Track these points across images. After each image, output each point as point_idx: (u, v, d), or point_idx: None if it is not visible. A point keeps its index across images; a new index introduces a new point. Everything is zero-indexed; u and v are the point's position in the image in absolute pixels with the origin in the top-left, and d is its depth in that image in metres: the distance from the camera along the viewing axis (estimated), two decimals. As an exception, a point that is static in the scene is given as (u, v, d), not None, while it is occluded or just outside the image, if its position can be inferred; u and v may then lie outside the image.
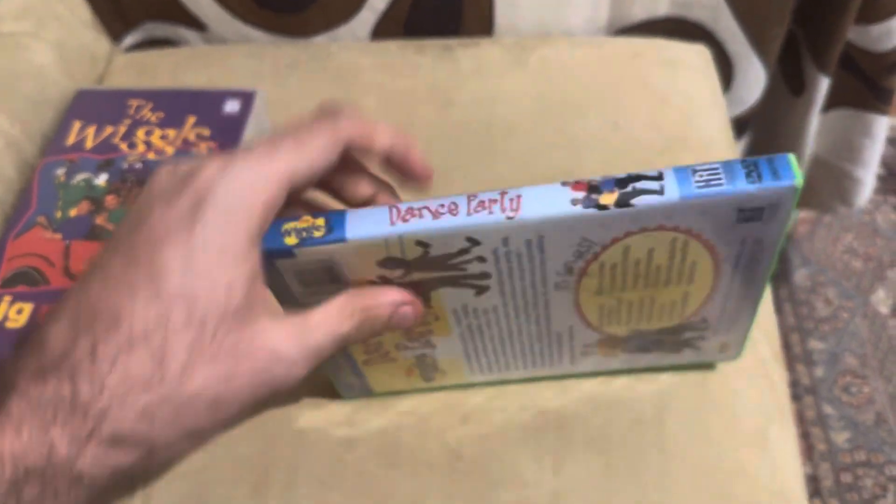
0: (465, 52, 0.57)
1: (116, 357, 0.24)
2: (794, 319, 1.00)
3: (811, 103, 0.70)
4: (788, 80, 0.71)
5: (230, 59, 0.59)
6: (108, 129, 0.50)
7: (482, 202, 0.29)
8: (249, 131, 0.50)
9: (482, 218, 0.29)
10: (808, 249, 1.05)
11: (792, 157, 0.28)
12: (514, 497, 0.38)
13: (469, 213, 0.29)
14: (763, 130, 0.76)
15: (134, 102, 0.51)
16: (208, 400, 0.26)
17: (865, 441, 0.91)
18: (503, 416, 0.40)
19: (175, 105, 0.51)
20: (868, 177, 0.80)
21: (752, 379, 0.41)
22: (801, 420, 0.93)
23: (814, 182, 0.82)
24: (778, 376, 0.43)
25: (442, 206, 0.29)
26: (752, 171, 0.28)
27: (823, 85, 0.68)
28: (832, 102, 0.72)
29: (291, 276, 0.31)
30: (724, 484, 0.38)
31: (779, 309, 1.01)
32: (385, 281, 0.32)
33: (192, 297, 0.25)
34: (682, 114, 0.52)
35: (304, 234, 0.29)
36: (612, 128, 0.52)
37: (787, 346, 0.98)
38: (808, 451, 0.91)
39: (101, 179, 0.48)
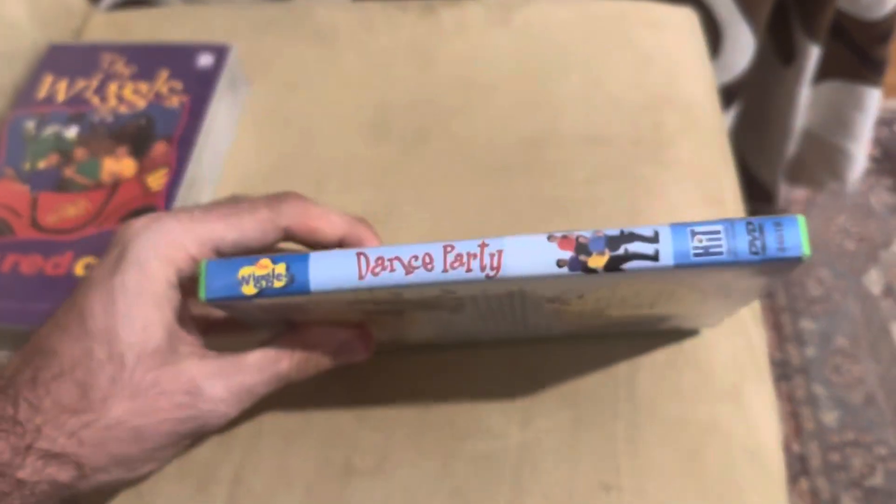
0: (447, 12, 0.56)
1: (49, 384, 0.28)
2: (786, 299, 0.99)
3: (801, 73, 0.69)
4: (778, 49, 0.70)
5: (208, 17, 0.58)
6: (80, 83, 0.49)
7: (460, 257, 0.27)
8: (222, 85, 0.49)
9: (459, 275, 0.27)
10: (801, 229, 1.04)
11: (802, 221, 0.26)
12: (481, 449, 0.37)
13: (445, 270, 0.27)
14: (752, 100, 0.75)
15: (107, 56, 0.50)
16: (130, 429, 0.29)
17: (854, 421, 0.90)
18: (474, 371, 0.40)
19: (148, 59, 0.50)
20: (859, 151, 0.79)
21: (729, 336, 0.41)
22: (790, 399, 0.92)
23: (805, 157, 0.81)
24: (756, 335, 0.42)
25: (415, 257, 0.27)
26: (755, 239, 0.26)
27: (813, 54, 0.67)
28: (823, 74, 0.71)
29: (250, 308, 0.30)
30: (696, 439, 0.37)
31: (770, 289, 1.00)
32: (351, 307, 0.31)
33: (113, 336, 0.29)
34: (665, 74, 0.52)
35: (264, 282, 0.28)
36: (594, 87, 0.51)
37: (778, 325, 0.97)
38: (797, 431, 0.90)
39: (71, 132, 0.47)
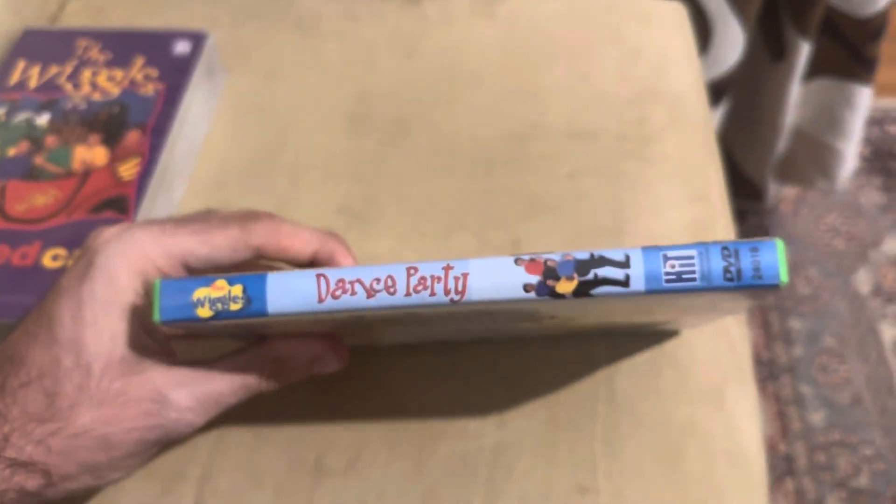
0: (432, 2, 0.55)
1: (17, 392, 0.28)
2: (774, 298, 0.99)
3: (791, 69, 0.68)
4: (769, 45, 0.69)
5: (188, 4, 0.56)
6: (54, 69, 0.48)
7: (423, 280, 0.26)
8: (199, 73, 0.47)
9: (422, 299, 0.26)
10: (791, 228, 1.04)
11: (780, 247, 0.25)
12: (455, 449, 0.36)
13: (408, 293, 0.26)
14: (742, 97, 0.74)
15: (82, 42, 0.49)
16: (97, 437, 0.29)
17: (841, 421, 0.90)
18: (450, 370, 0.39)
19: (123, 45, 0.49)
20: (849, 150, 0.78)
21: (711, 337, 0.40)
22: (777, 399, 0.92)
23: (794, 155, 0.80)
24: (738, 335, 0.41)
25: (377, 280, 0.26)
26: (731, 265, 0.25)
27: (804, 50, 0.66)
28: (813, 71, 0.71)
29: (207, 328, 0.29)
30: (676, 440, 0.36)
31: (759, 287, 1.00)
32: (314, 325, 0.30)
33: (80, 345, 0.29)
34: (652, 67, 0.51)
35: (220, 305, 0.27)
36: (579, 79, 0.50)
37: (765, 324, 0.97)
38: (784, 430, 0.90)
39: (43, 119, 0.46)
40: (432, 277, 0.26)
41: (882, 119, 1.13)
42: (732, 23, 0.62)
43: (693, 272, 0.25)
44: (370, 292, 0.26)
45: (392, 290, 0.26)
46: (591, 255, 0.25)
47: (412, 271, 0.26)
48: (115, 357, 0.29)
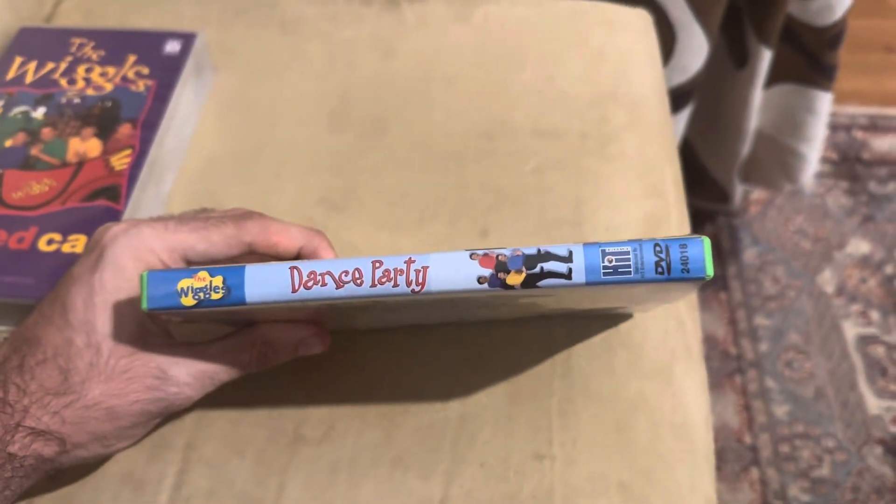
0: (410, 6, 0.58)
1: (34, 370, 0.32)
2: (742, 296, 1.02)
3: (754, 76, 0.71)
4: (732, 52, 0.72)
5: (179, 5, 0.59)
6: (49, 65, 0.51)
7: (387, 272, 0.29)
8: (188, 72, 0.50)
9: (386, 289, 0.29)
10: (759, 229, 1.08)
11: (707, 243, 0.28)
12: (422, 420, 0.39)
13: (373, 284, 0.29)
14: (707, 102, 0.78)
15: (76, 40, 0.52)
16: (105, 409, 0.33)
17: (804, 414, 0.93)
18: (419, 348, 0.42)
19: (116, 44, 0.51)
20: (812, 153, 0.82)
21: (661, 319, 0.43)
22: (743, 392, 0.95)
23: (759, 158, 0.84)
24: (689, 318, 0.44)
25: (346, 272, 0.29)
26: (661, 260, 0.28)
27: (766, 57, 0.70)
28: (775, 77, 0.74)
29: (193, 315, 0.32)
30: (625, 413, 0.40)
31: (727, 286, 1.03)
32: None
33: (91, 327, 0.33)
34: (615, 70, 0.54)
35: (202, 294, 0.30)
36: (546, 81, 0.53)
37: (733, 321, 1.00)
38: (749, 423, 0.93)
39: (39, 112, 0.48)
40: (395, 270, 0.29)
41: (849, 125, 1.17)
42: (696, 31, 0.65)
43: (628, 266, 0.28)
44: (339, 283, 0.29)
45: (359, 281, 0.29)
46: (538, 251, 0.29)
47: (377, 265, 0.29)
48: (122, 338, 0.33)
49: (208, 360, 0.35)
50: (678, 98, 0.71)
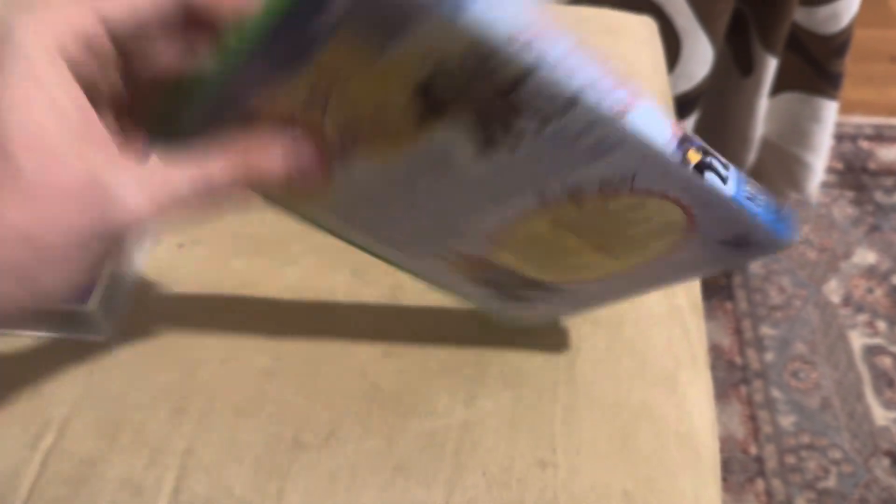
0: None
1: None
2: (748, 305, 1.02)
3: (759, 84, 0.71)
4: (737, 60, 0.72)
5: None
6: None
7: (611, 75, 0.27)
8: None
9: (600, 93, 0.26)
10: (765, 238, 1.07)
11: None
12: (425, 427, 0.39)
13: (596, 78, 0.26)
14: (712, 110, 0.77)
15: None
16: (21, 235, 0.25)
17: (810, 425, 0.92)
18: (423, 352, 0.41)
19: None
20: (818, 162, 0.81)
21: (666, 326, 0.43)
22: (749, 403, 0.94)
23: (765, 167, 0.83)
24: (694, 325, 0.44)
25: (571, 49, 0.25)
26: (779, 212, 0.31)
27: (771, 65, 0.69)
28: (781, 86, 0.74)
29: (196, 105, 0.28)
30: (630, 421, 0.39)
31: (732, 295, 1.03)
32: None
33: (2, 132, 0.25)
34: (620, 77, 0.54)
35: None
36: (550, 87, 0.53)
37: (738, 331, 1.00)
38: (755, 433, 0.92)
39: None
40: (617, 82, 0.27)
41: (855, 135, 1.17)
42: (701, 38, 0.65)
43: (761, 201, 0.30)
44: (567, 53, 0.25)
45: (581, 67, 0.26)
46: (706, 148, 0.29)
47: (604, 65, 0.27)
48: (48, 145, 0.25)
49: (167, 172, 0.27)
50: (683, 106, 0.71)
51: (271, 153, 0.28)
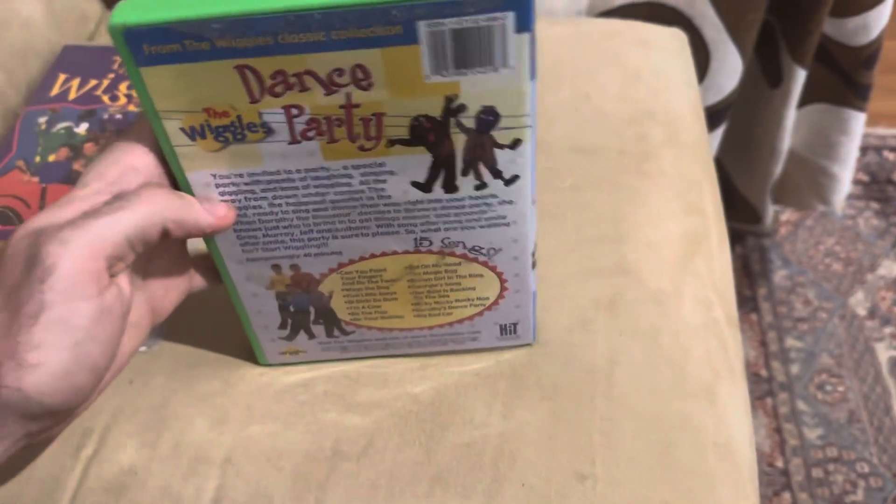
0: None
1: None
2: (773, 317, 1.01)
3: (788, 95, 0.71)
4: (766, 72, 0.72)
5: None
6: (92, 82, 0.51)
7: None
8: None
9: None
10: (790, 251, 1.07)
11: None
12: (463, 438, 0.39)
13: None
14: (740, 122, 0.77)
15: (118, 58, 0.53)
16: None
17: (838, 438, 0.91)
18: (459, 364, 0.41)
19: (158, 61, 0.52)
20: (845, 174, 0.81)
21: (704, 338, 0.43)
22: (775, 415, 0.94)
23: (791, 179, 0.83)
24: (731, 338, 0.44)
25: None
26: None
27: (800, 77, 0.69)
28: (809, 97, 0.74)
29: None
30: (669, 433, 0.39)
31: (757, 307, 1.02)
32: None
33: None
34: (651, 89, 0.54)
35: None
36: (583, 99, 0.53)
37: (764, 343, 0.99)
38: (781, 446, 0.91)
39: (82, 128, 0.49)
40: None
41: (880, 146, 1.16)
42: (731, 50, 0.65)
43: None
44: None
45: None
46: None
47: None
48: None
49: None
50: (711, 117, 0.71)
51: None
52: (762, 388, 0.95)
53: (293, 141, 0.32)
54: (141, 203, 0.30)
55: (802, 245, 1.07)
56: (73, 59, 0.53)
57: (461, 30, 0.29)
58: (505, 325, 0.41)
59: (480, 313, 0.40)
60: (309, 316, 0.40)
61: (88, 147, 0.48)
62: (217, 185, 0.33)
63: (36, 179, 0.47)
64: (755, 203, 0.87)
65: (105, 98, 0.50)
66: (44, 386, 0.29)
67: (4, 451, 0.30)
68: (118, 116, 0.49)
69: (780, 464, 0.90)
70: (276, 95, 0.30)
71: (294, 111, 0.31)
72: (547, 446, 0.39)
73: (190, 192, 0.33)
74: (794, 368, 0.97)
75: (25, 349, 0.28)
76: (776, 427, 0.93)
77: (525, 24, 0.29)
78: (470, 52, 0.29)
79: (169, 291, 0.36)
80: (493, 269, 0.38)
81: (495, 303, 0.39)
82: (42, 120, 0.49)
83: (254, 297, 0.39)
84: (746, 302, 1.01)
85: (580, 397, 0.40)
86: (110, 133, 0.49)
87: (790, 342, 0.99)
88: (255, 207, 0.34)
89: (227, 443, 0.40)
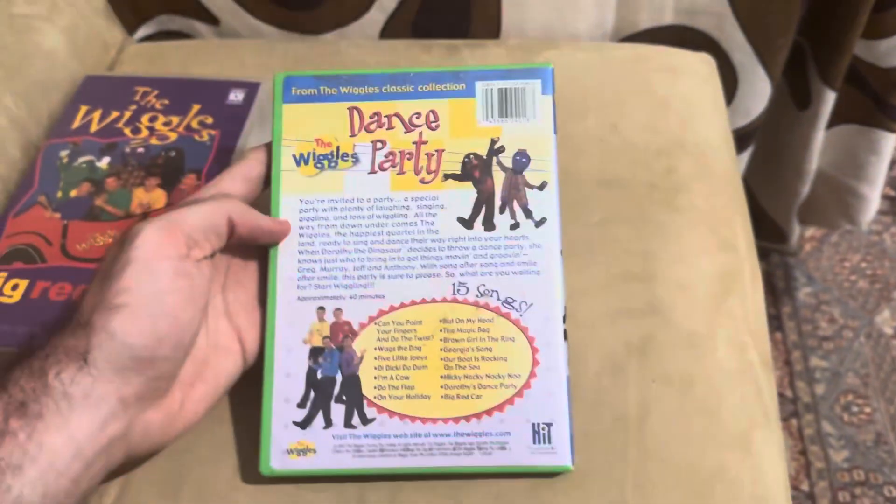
0: (471, 53, 0.58)
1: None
2: (797, 336, 0.99)
3: (817, 118, 0.69)
4: (794, 94, 0.71)
5: (240, 52, 0.59)
6: (114, 114, 0.51)
7: None
8: (252, 121, 0.50)
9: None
10: (814, 268, 1.05)
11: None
12: (492, 489, 0.38)
13: None
14: (767, 143, 0.76)
15: (140, 89, 0.52)
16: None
17: (864, 461, 0.90)
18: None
19: (180, 93, 0.52)
20: (874, 195, 0.79)
21: (739, 383, 0.41)
22: (800, 437, 0.92)
23: (818, 198, 0.81)
24: (765, 382, 0.43)
25: None
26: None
27: (830, 99, 0.68)
28: (838, 118, 0.72)
29: None
30: (704, 486, 0.38)
31: (781, 326, 1.00)
32: None
33: None
34: (681, 118, 0.53)
35: None
36: (610, 130, 0.52)
37: (788, 362, 0.97)
38: (806, 469, 0.90)
39: (104, 162, 0.49)
40: None
41: (906, 160, 1.14)
42: (759, 74, 0.64)
43: None
44: None
45: None
46: None
47: None
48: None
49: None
50: (738, 140, 0.69)
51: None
52: (787, 408, 0.94)
53: (372, 171, 0.41)
54: (212, 200, 0.37)
55: (827, 262, 1.05)
56: (95, 90, 0.52)
57: (505, 89, 0.42)
58: (538, 426, 0.37)
59: (511, 401, 0.37)
60: (333, 388, 0.38)
61: (110, 182, 0.48)
62: (300, 211, 0.40)
63: (58, 216, 0.46)
64: (781, 223, 0.86)
65: (127, 130, 0.50)
66: (128, 325, 0.32)
67: (101, 425, 0.31)
68: (140, 150, 0.49)
69: (805, 487, 0.89)
70: (370, 132, 0.41)
71: (379, 144, 0.41)
72: (578, 498, 0.38)
73: (279, 214, 0.40)
74: (820, 389, 0.95)
75: (113, 294, 0.32)
76: (801, 449, 0.91)
77: (548, 89, 0.42)
78: (510, 105, 0.41)
79: (251, 328, 0.39)
80: (524, 331, 0.38)
81: (527, 385, 0.37)
82: (64, 154, 0.49)
83: (288, 352, 0.38)
84: (770, 320, 0.99)
85: (612, 448, 0.39)
86: (132, 168, 0.48)
87: (815, 362, 0.97)
88: (322, 236, 0.40)
89: (251, 491, 0.39)
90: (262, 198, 0.41)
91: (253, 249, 0.40)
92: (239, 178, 0.40)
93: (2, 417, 0.29)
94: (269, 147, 0.41)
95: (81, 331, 0.32)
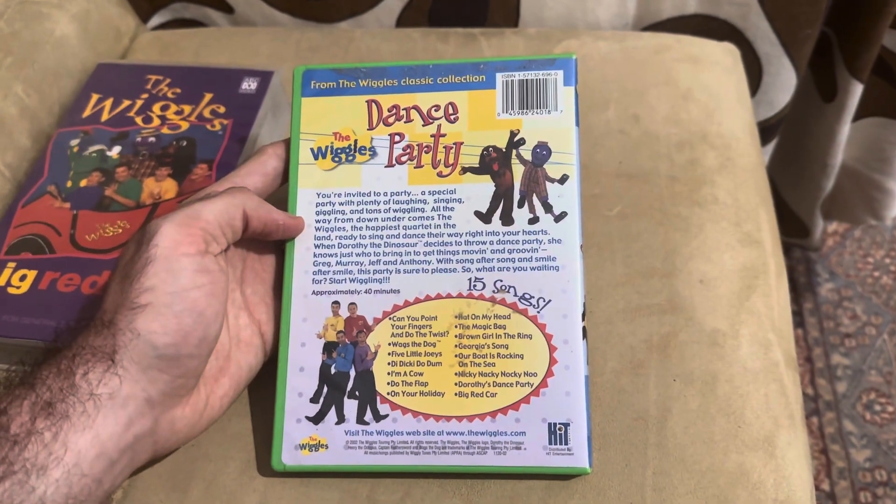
0: (488, 42, 0.56)
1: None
2: (819, 333, 0.98)
3: (842, 110, 0.68)
4: (820, 85, 0.69)
5: (253, 40, 0.58)
6: (125, 103, 0.50)
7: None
8: (265, 110, 0.49)
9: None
10: (836, 263, 1.03)
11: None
12: (506, 489, 0.37)
13: None
14: (792, 136, 0.74)
15: (152, 77, 0.51)
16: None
17: (886, 461, 0.88)
18: None
19: (192, 81, 0.51)
20: (900, 189, 0.77)
21: (763, 383, 0.40)
22: (821, 436, 0.90)
23: (842, 193, 0.79)
24: (790, 381, 0.41)
25: None
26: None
27: (856, 92, 0.66)
28: (864, 111, 0.70)
29: None
30: (725, 488, 0.37)
31: (803, 322, 0.98)
32: None
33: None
34: (703, 110, 0.51)
35: None
36: (631, 121, 0.51)
37: (809, 359, 0.96)
38: (827, 468, 0.88)
39: (114, 151, 0.48)
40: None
41: (933, 154, 1.11)
42: (785, 64, 0.62)
43: None
44: None
45: None
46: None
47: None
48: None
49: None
50: (762, 133, 0.68)
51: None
52: (808, 406, 0.92)
53: (389, 164, 0.40)
54: (226, 194, 0.36)
55: (850, 257, 1.03)
56: (107, 79, 0.52)
57: (526, 80, 0.40)
58: (554, 426, 0.36)
59: (527, 399, 0.36)
60: (346, 383, 0.37)
61: (120, 172, 0.47)
62: (317, 205, 0.40)
63: (67, 206, 0.46)
64: (804, 218, 0.84)
65: (138, 119, 0.49)
66: (153, 324, 0.32)
67: (127, 425, 0.31)
68: (151, 139, 0.48)
69: (825, 486, 0.87)
70: (388, 125, 0.40)
71: (397, 138, 0.40)
72: (595, 500, 0.37)
73: (295, 208, 0.40)
74: (841, 387, 0.93)
75: (136, 294, 0.32)
76: (822, 448, 0.89)
77: (570, 80, 0.40)
78: (531, 97, 0.40)
79: (270, 321, 0.39)
80: (542, 328, 0.36)
81: (543, 383, 0.36)
82: (74, 142, 0.48)
83: (302, 347, 0.38)
84: (792, 317, 0.98)
85: (631, 449, 0.38)
86: (143, 157, 0.47)
87: (837, 359, 0.95)
88: (339, 230, 0.39)
89: (260, 487, 0.38)
90: (280, 192, 0.41)
91: (269, 242, 0.40)
92: (254, 172, 0.39)
93: (28, 417, 0.29)
94: (286, 142, 0.40)
95: (107, 331, 0.32)
